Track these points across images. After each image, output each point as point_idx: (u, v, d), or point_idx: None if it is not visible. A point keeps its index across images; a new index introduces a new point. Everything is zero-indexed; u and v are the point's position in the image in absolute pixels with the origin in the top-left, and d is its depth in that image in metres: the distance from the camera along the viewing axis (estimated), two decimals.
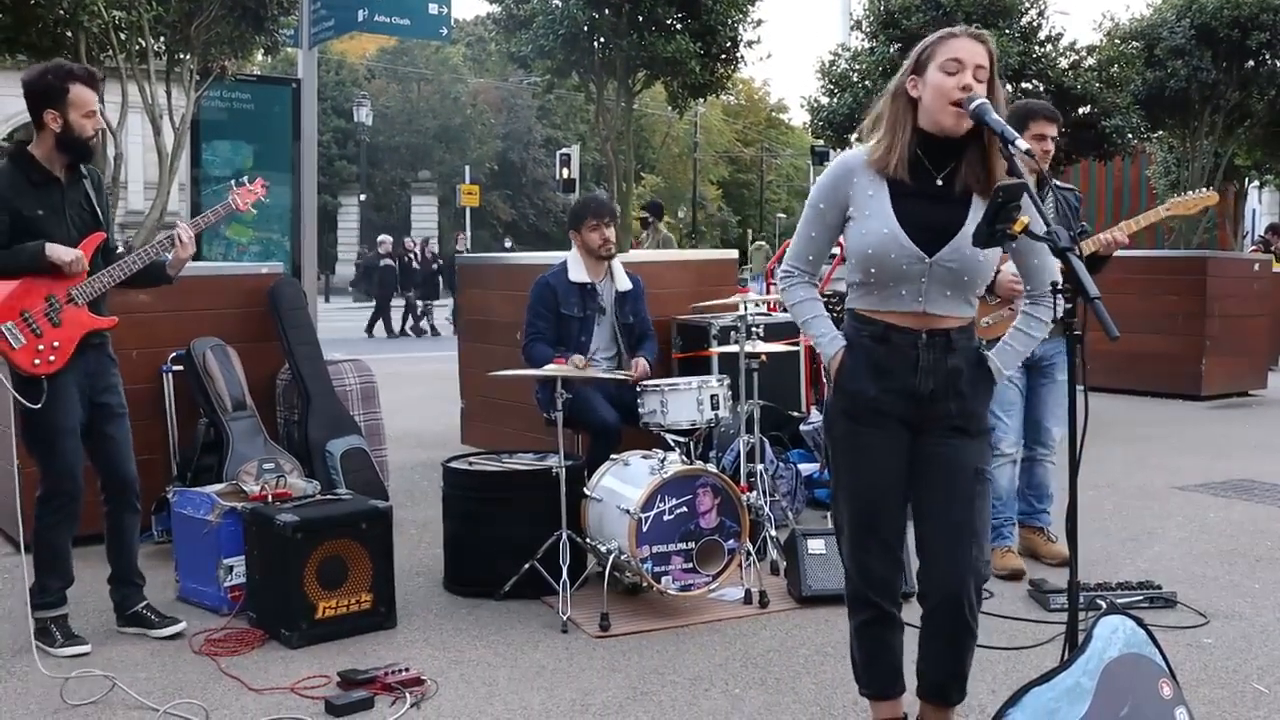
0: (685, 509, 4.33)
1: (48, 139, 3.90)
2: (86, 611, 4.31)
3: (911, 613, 3.00)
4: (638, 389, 4.85)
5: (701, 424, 4.76)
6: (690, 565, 4.34)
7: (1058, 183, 5.06)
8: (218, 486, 4.73)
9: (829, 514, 3.03)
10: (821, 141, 17.73)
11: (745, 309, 4.99)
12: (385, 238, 23.13)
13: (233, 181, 4.40)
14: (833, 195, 2.86)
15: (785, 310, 3.14)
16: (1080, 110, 12.38)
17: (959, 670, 2.93)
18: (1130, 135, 12.80)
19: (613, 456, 4.72)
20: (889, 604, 2.92)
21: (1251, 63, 14.62)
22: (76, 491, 3.98)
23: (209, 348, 5.52)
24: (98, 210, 4.04)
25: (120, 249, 4.15)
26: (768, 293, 8.38)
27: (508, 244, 23.41)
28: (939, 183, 2.77)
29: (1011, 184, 2.58)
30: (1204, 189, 5.43)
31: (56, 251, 3.83)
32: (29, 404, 3.85)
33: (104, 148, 8.48)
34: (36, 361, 3.84)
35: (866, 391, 2.82)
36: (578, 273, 5.40)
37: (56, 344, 3.87)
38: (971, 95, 2.67)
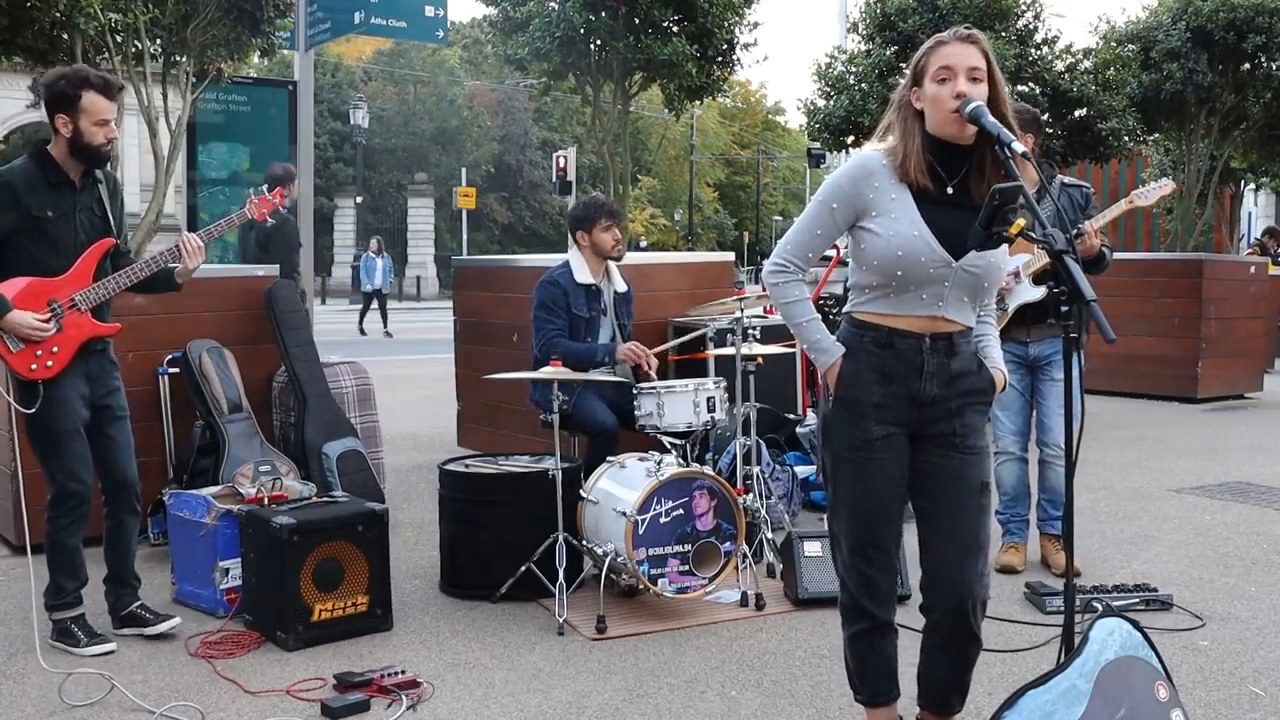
0: (682, 511, 4.33)
1: (60, 143, 3.91)
2: None
3: (907, 615, 2.99)
4: (634, 390, 4.84)
5: (698, 426, 4.76)
6: (687, 568, 4.34)
7: (1065, 179, 4.97)
8: (214, 489, 4.73)
9: (825, 520, 3.01)
10: (818, 144, 17.73)
11: (741, 311, 4.99)
12: None
13: (250, 190, 4.37)
14: (850, 197, 2.76)
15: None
16: (1076, 113, 12.40)
17: (963, 682, 2.92)
18: (1126, 138, 12.82)
19: (609, 459, 4.72)
20: (887, 613, 2.89)
21: (1247, 65, 14.63)
22: (85, 493, 3.98)
23: (205, 350, 5.52)
24: (109, 216, 4.03)
25: (132, 253, 4.13)
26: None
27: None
28: (949, 190, 2.73)
29: (1007, 186, 2.55)
30: (1162, 179, 5.38)
31: (14, 320, 3.77)
32: (24, 409, 3.85)
33: None
34: (34, 366, 3.84)
35: (870, 398, 2.77)
36: (583, 274, 5.40)
37: (56, 349, 3.86)
38: (966, 99, 2.65)
